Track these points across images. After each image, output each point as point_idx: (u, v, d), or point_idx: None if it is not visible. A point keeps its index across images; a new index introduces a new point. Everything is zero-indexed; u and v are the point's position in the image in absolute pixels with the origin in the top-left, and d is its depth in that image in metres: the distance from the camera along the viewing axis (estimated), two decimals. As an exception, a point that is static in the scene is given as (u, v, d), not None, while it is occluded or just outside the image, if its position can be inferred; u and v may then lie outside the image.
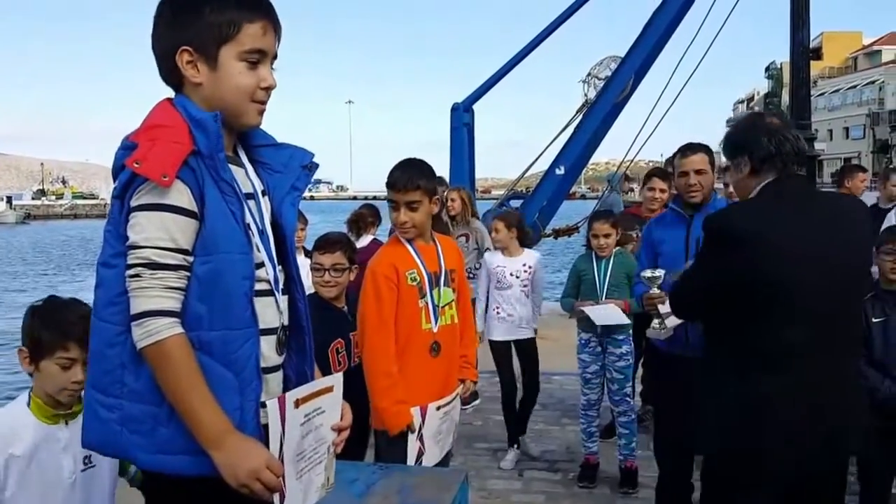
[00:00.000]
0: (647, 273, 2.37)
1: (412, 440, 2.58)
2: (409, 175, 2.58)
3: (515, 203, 9.03)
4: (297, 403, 1.42)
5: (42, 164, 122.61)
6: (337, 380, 1.54)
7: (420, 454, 2.59)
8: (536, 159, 9.46)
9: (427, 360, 2.64)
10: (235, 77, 1.44)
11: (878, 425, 3.02)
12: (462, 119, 8.50)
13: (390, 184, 2.62)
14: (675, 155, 3.51)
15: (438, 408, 2.67)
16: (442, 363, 2.68)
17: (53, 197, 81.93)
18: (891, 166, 9.51)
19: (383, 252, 2.70)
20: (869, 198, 6.70)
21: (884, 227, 4.00)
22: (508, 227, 4.42)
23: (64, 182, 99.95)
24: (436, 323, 2.65)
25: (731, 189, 4.72)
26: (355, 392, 2.63)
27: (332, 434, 1.54)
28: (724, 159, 2.47)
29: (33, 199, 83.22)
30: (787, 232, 2.08)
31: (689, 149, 3.37)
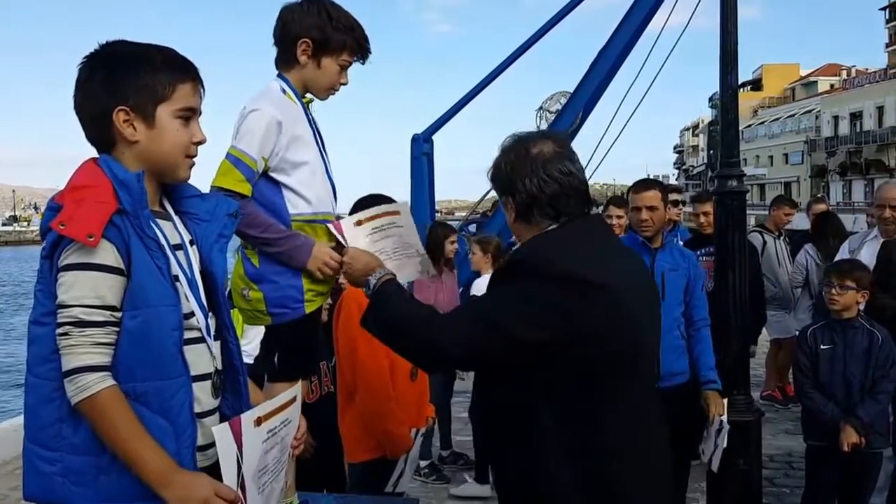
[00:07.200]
0: None
1: (402, 461, 2.69)
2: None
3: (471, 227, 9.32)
4: (259, 421, 1.47)
5: (14, 190, 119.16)
6: (296, 390, 1.64)
7: (401, 475, 2.72)
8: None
9: (408, 384, 2.77)
10: (173, 133, 1.50)
11: (822, 445, 3.24)
12: (422, 149, 8.69)
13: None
14: (629, 189, 3.70)
15: (420, 433, 2.84)
16: (418, 386, 2.83)
17: (26, 223, 79.26)
18: (817, 195, 10.15)
19: None
20: (804, 222, 7.22)
21: (837, 257, 4.18)
22: (484, 252, 4.75)
23: (36, 208, 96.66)
24: None
25: (703, 219, 4.91)
26: (331, 421, 2.75)
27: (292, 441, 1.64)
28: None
29: (4, 224, 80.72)
30: None
31: (642, 185, 3.52)
